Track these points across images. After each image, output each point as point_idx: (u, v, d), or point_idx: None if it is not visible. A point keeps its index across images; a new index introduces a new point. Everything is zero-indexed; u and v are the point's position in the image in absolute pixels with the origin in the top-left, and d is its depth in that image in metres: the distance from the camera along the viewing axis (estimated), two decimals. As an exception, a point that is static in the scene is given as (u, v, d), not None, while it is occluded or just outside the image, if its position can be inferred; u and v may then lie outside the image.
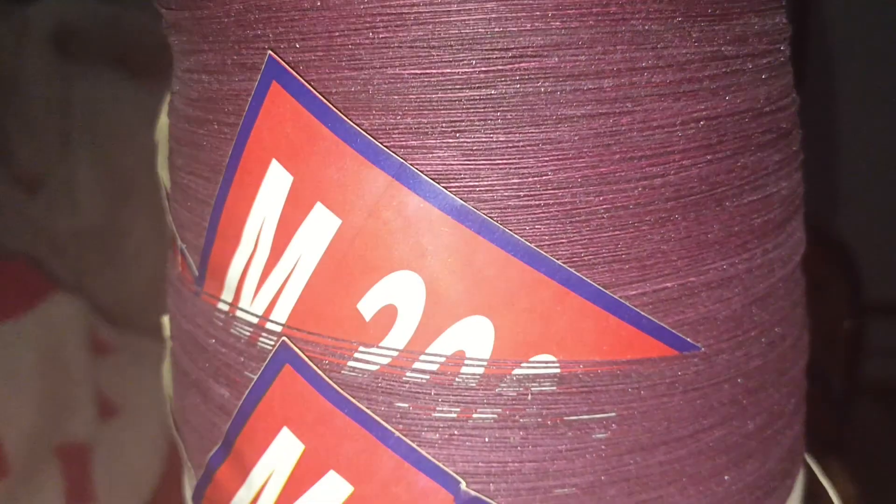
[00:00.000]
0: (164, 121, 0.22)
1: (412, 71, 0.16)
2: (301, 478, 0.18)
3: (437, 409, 0.17)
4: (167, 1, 0.19)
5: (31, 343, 0.58)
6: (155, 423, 0.60)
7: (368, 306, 0.16)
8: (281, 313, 0.17)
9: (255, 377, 0.18)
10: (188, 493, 0.23)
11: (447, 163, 0.16)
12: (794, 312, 0.20)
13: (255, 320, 0.18)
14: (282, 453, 0.18)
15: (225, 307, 0.19)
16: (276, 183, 0.17)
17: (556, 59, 0.15)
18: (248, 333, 0.18)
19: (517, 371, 0.16)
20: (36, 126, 0.96)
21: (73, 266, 0.84)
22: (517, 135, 0.16)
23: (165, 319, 0.24)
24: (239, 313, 0.18)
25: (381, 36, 0.16)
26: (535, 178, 0.16)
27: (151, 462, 0.59)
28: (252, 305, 0.18)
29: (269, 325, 0.18)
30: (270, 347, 0.18)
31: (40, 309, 0.61)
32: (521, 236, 0.16)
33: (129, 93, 1.14)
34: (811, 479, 0.25)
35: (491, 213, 0.16)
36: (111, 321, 0.73)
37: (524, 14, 0.15)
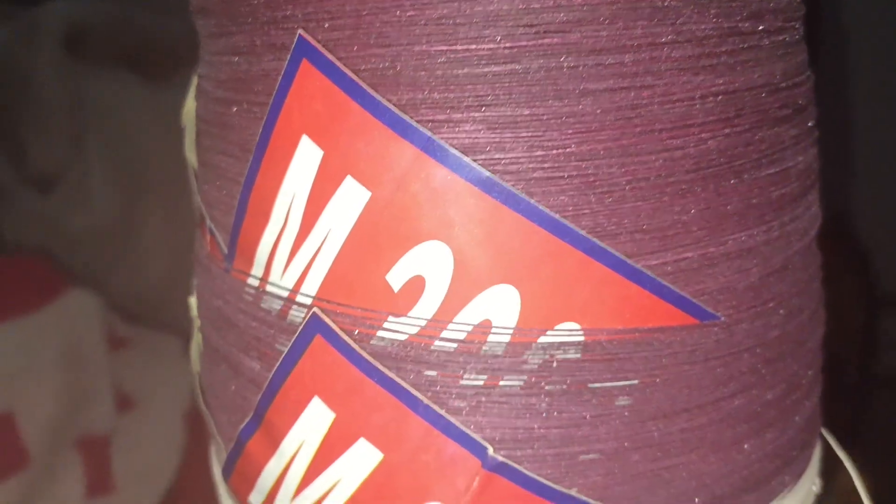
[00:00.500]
0: (190, 104, 0.23)
1: (438, 47, 0.16)
2: (331, 446, 0.18)
3: (465, 376, 0.17)
4: (196, -12, 0.20)
5: (49, 337, 0.58)
6: (171, 415, 0.61)
7: (397, 277, 0.17)
8: (311, 286, 0.18)
9: (286, 349, 0.18)
10: (216, 468, 0.24)
11: (473, 136, 0.16)
12: (810, 285, 0.20)
13: (285, 294, 0.18)
14: (312, 423, 0.18)
15: (255, 282, 0.19)
16: (306, 158, 0.17)
17: (579, 34, 0.16)
18: (278, 307, 0.19)
19: (542, 339, 0.17)
20: (49, 125, 0.97)
21: (88, 262, 0.85)
22: (541, 108, 0.16)
23: (192, 300, 0.24)
24: (269, 287, 0.19)
25: (408, 14, 0.16)
26: (559, 151, 0.16)
27: (169, 453, 0.59)
28: (282, 280, 0.18)
29: (299, 299, 0.18)
30: (300, 320, 0.18)
31: (58, 304, 0.62)
32: (546, 207, 0.16)
33: (141, 91, 1.14)
34: (828, 455, 0.25)
35: (516, 184, 0.16)
36: (126, 316, 0.74)
37: (546, -9, 0.16)
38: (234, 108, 0.19)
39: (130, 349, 0.67)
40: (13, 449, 0.52)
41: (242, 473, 0.21)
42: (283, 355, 0.18)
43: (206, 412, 0.23)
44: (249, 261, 0.19)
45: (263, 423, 0.19)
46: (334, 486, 0.18)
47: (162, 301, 1.05)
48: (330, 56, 0.16)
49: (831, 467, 0.25)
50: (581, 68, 0.16)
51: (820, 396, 0.22)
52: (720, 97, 0.17)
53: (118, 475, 0.56)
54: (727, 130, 0.17)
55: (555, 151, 0.16)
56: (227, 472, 0.22)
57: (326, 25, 0.17)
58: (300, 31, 0.17)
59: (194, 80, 0.23)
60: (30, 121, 0.98)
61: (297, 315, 0.18)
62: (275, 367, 0.18)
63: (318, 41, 0.17)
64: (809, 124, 0.20)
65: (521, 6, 0.16)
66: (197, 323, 0.24)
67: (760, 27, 0.18)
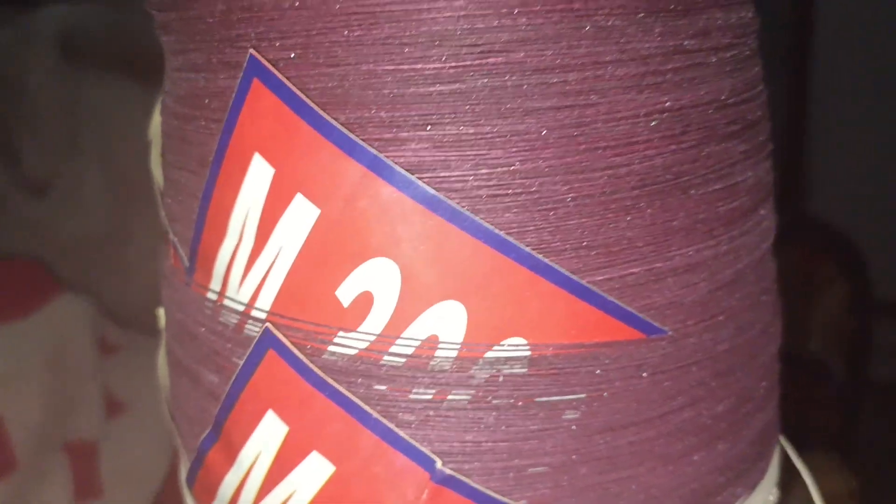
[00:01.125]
0: (156, 119, 0.23)
1: (385, 67, 0.16)
2: (286, 459, 0.18)
3: (414, 391, 0.17)
4: (158, 3, 0.20)
5: (39, 342, 0.59)
6: (160, 420, 0.61)
7: (346, 293, 0.17)
8: (265, 301, 0.18)
9: (242, 362, 0.18)
10: (182, 478, 0.24)
11: (419, 154, 0.16)
12: (763, 299, 0.21)
13: (241, 308, 0.19)
14: (267, 435, 0.18)
15: (213, 296, 0.19)
16: (258, 175, 0.17)
17: (523, 53, 0.16)
18: (234, 321, 0.19)
19: (489, 354, 0.17)
20: (43, 130, 0.97)
21: (79, 268, 0.85)
22: (486, 127, 0.16)
23: (161, 311, 0.24)
24: (226, 302, 0.19)
25: (355, 34, 0.16)
26: (504, 169, 0.16)
27: (157, 459, 0.60)
28: (238, 294, 0.19)
29: (254, 313, 0.18)
30: (256, 334, 0.18)
31: (48, 308, 0.62)
32: (491, 224, 0.16)
33: (135, 96, 1.14)
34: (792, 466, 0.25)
35: (462, 202, 0.16)
36: (116, 322, 0.74)
37: (491, 11, 0.16)
38: (192, 124, 0.19)
39: (121, 354, 0.67)
40: (2, 452, 0.53)
41: (203, 484, 0.21)
42: (239, 369, 0.18)
43: (171, 424, 0.23)
44: (208, 274, 0.19)
45: (222, 435, 0.20)
46: (289, 497, 0.19)
47: (152, 307, 1.05)
48: (279, 75, 0.17)
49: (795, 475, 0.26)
50: (525, 87, 0.16)
51: (776, 409, 0.22)
52: (665, 114, 0.17)
53: (106, 480, 0.56)
54: (673, 147, 0.18)
55: (499, 169, 0.16)
56: (189, 482, 0.22)
57: (277, 45, 0.17)
58: (251, 51, 0.17)
59: (160, 96, 0.23)
60: (24, 126, 0.99)
61: (252, 329, 0.18)
62: (231, 380, 0.19)
63: (269, 60, 0.17)
64: (761, 139, 0.20)
65: (465, 26, 0.16)
66: (164, 335, 0.24)
67: (707, 45, 0.18)
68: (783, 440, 0.24)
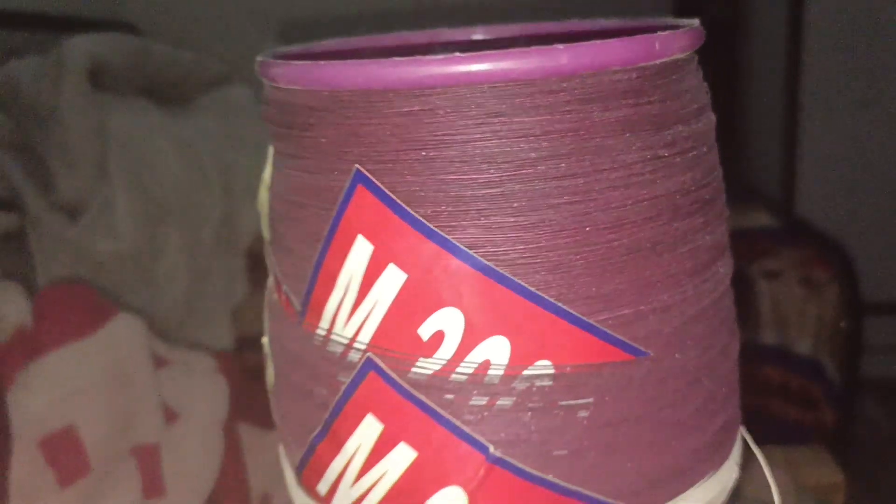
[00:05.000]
0: (264, 195, 0.30)
1: (451, 177, 0.24)
2: (380, 448, 0.26)
3: (473, 398, 0.25)
4: (276, 120, 0.27)
5: (102, 357, 0.66)
6: (211, 425, 0.68)
7: (425, 331, 0.25)
8: (365, 336, 0.25)
9: (347, 381, 0.26)
10: (288, 468, 0.31)
11: (475, 237, 0.24)
12: (721, 327, 0.28)
13: (345, 341, 0.26)
14: (366, 432, 0.26)
15: (322, 332, 0.27)
16: (361, 250, 0.25)
17: (544, 167, 0.24)
18: (340, 350, 0.26)
19: (525, 372, 0.24)
20: (75, 155, 1.04)
21: (113, 285, 0.92)
22: (521, 217, 0.24)
23: (265, 339, 0.32)
24: (333, 336, 0.26)
25: (430, 154, 0.24)
26: (534, 245, 0.24)
27: (210, 462, 0.67)
28: (343, 331, 0.26)
29: (356, 345, 0.26)
30: (357, 360, 0.26)
31: (108, 327, 0.69)
32: (526, 283, 0.24)
33: (158, 120, 1.22)
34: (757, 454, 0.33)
35: (505, 269, 0.24)
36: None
37: (523, 138, 0.24)
38: (305, 210, 0.27)
39: (169, 367, 0.74)
40: (76, 457, 0.60)
41: (313, 469, 0.28)
42: (346, 385, 0.26)
43: (278, 425, 0.31)
44: (318, 317, 0.27)
45: (330, 432, 0.27)
46: (382, 476, 0.26)
47: (180, 323, 1.13)
48: (376, 182, 0.24)
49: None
50: (547, 189, 0.24)
51: (735, 408, 0.30)
52: (644, 202, 0.25)
53: (168, 480, 0.63)
54: (651, 225, 0.25)
55: (531, 245, 0.24)
56: (300, 469, 0.29)
57: (374, 159, 0.24)
58: (357, 166, 0.24)
59: (265, 178, 0.30)
60: (56, 152, 1.06)
61: (354, 356, 0.26)
62: (339, 393, 0.26)
63: (368, 170, 0.24)
64: (717, 210, 0.28)
65: (505, 149, 0.24)
66: (269, 357, 0.31)
67: (674, 150, 0.25)
68: (742, 430, 0.31)
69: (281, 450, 0.32)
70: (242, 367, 0.68)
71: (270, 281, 0.31)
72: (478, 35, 0.36)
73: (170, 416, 0.69)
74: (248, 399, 0.71)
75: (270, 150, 0.30)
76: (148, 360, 0.70)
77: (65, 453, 0.61)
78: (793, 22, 1.62)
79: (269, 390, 0.32)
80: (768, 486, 0.47)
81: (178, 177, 1.15)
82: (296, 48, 0.33)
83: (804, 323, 1.29)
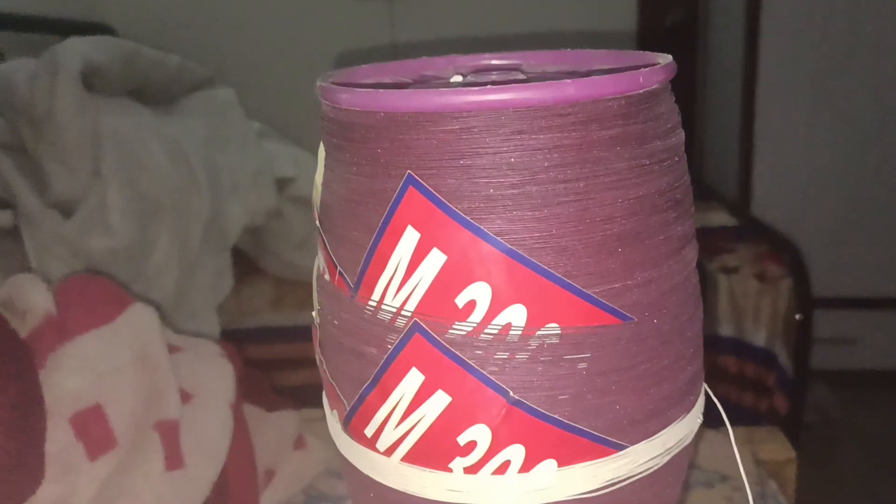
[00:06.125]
0: (317, 195, 0.37)
1: (483, 180, 0.31)
2: (421, 395, 0.33)
3: (497, 353, 0.32)
4: (332, 132, 0.34)
5: (125, 342, 0.72)
6: (221, 405, 0.74)
7: (461, 301, 0.31)
8: (410, 306, 0.32)
9: (395, 342, 0.33)
10: (333, 419, 0.38)
11: (502, 227, 0.31)
12: (690, 299, 0.35)
13: (394, 310, 0.33)
14: (410, 382, 0.33)
15: (373, 304, 0.34)
16: (409, 237, 0.32)
17: (554, 173, 0.31)
18: (388, 318, 0.33)
19: (539, 332, 0.31)
20: (69, 155, 1.09)
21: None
22: (537, 212, 0.31)
23: (315, 313, 0.39)
24: (384, 307, 0.33)
25: (467, 162, 0.31)
26: (547, 233, 0.31)
27: (223, 437, 0.73)
28: (392, 302, 0.33)
29: (402, 313, 0.33)
30: (403, 325, 0.32)
31: (127, 314, 0.75)
32: (540, 262, 0.31)
33: (148, 121, 1.27)
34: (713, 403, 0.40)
35: (525, 251, 0.31)
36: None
37: (539, 151, 0.30)
38: (362, 206, 0.33)
39: (182, 353, 0.80)
40: (104, 432, 0.66)
41: (361, 416, 0.35)
42: (394, 345, 0.33)
43: (328, 384, 0.38)
44: (370, 291, 0.34)
45: (379, 384, 0.34)
46: (422, 418, 0.33)
47: (171, 312, 1.19)
48: (425, 184, 0.31)
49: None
50: (556, 190, 0.31)
51: (700, 364, 0.37)
52: (630, 200, 0.32)
53: (186, 453, 0.69)
54: (635, 218, 0.32)
55: (545, 233, 0.31)
56: (349, 417, 0.36)
57: (423, 165, 0.31)
58: (409, 171, 0.31)
59: (317, 181, 0.37)
60: (51, 152, 1.10)
61: (401, 322, 0.33)
62: (388, 352, 0.33)
63: (418, 175, 0.31)
64: (685, 207, 0.35)
65: (525, 160, 0.31)
66: (319, 327, 0.38)
67: (653, 160, 0.33)
68: (705, 385, 0.38)
69: (326, 406, 0.39)
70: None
71: (321, 264, 0.37)
72: (486, 60, 0.43)
73: (184, 396, 0.75)
74: (250, 383, 0.77)
75: (321, 157, 0.36)
76: (164, 344, 0.75)
77: (93, 429, 0.67)
78: (749, 36, 1.72)
79: (318, 356, 0.38)
80: (726, 461, 0.57)
81: (168, 175, 1.20)
82: (340, 73, 0.39)
83: (759, 316, 1.38)
